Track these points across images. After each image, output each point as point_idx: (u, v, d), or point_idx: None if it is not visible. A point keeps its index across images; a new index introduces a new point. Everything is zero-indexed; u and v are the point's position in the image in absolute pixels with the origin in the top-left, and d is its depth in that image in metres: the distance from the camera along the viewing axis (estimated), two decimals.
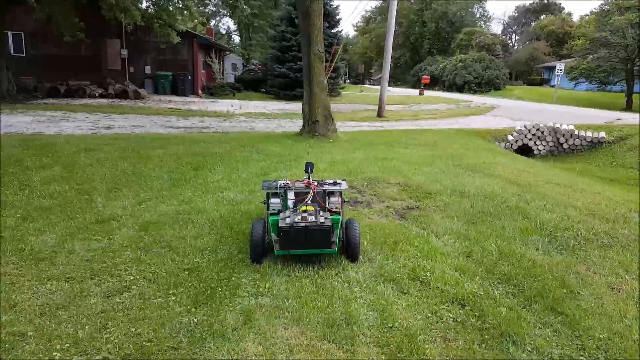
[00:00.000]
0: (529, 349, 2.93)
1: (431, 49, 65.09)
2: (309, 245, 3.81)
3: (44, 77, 21.71)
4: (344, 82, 37.33)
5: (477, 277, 3.82)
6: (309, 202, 4.05)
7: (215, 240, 4.49)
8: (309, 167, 4.50)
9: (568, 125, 13.90)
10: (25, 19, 21.59)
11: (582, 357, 2.89)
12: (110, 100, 21.18)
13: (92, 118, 14.71)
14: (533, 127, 13.79)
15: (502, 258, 4.25)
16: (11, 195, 5.89)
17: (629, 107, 27.78)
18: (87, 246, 4.40)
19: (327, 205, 4.12)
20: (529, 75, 52.56)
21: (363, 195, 6.37)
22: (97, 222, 5.02)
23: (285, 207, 4.14)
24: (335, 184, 4.27)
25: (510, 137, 13.76)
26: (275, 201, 4.10)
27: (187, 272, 3.87)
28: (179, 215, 5.19)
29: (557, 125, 13.77)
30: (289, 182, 4.29)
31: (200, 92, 25.78)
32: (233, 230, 4.74)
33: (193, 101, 22.39)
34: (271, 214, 4.08)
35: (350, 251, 4.06)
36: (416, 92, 39.07)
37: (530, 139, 13.84)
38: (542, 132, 13.82)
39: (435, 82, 47.12)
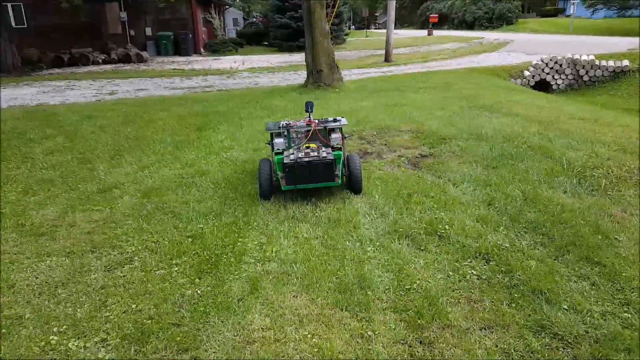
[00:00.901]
0: (565, 306, 2.59)
1: None
2: (313, 179, 3.96)
3: (47, 47, 21.16)
4: (348, 28, 35.80)
5: (501, 227, 3.46)
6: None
7: (219, 204, 4.20)
8: (309, 106, 4.50)
9: (588, 55, 12.99)
10: None
11: (626, 314, 2.55)
12: (113, 65, 20.68)
13: (96, 85, 14.34)
14: (550, 60, 12.92)
15: (527, 204, 3.86)
16: (13, 169, 5.65)
17: None
18: (88, 217, 4.16)
19: (328, 142, 4.23)
20: (543, 6, 49.61)
21: (373, 146, 5.98)
22: (99, 191, 4.77)
23: (288, 145, 4.27)
24: (335, 121, 4.34)
25: (526, 73, 12.97)
26: (279, 141, 4.19)
27: (190, 240, 3.61)
28: (182, 179, 4.90)
29: (576, 57, 12.87)
30: (290, 122, 4.38)
31: (202, 50, 24.99)
32: (238, 191, 4.44)
33: (196, 60, 21.72)
34: (276, 154, 4.18)
35: (353, 184, 4.23)
36: (424, 33, 37.39)
37: (548, 73, 13.01)
38: (561, 65, 12.96)
39: (444, 21, 44.86)
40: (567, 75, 13.05)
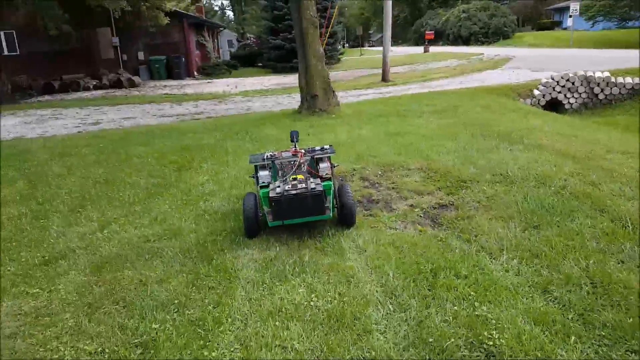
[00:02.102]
0: None
1: (431, 2, 61.12)
2: (302, 212, 3.64)
3: (38, 74, 20.39)
4: (342, 47, 35.11)
5: (572, 337, 2.38)
6: (301, 170, 3.94)
7: (186, 285, 3.19)
8: (294, 136, 4.25)
9: (602, 72, 12.10)
10: (15, 17, 20.13)
11: None
12: (104, 91, 19.90)
13: (82, 113, 13.46)
14: (562, 77, 11.99)
15: (597, 293, 2.79)
16: None
17: None
18: (17, 308, 3.12)
19: (317, 172, 3.92)
20: (538, 19, 49.05)
21: (378, 190, 5.00)
22: (43, 263, 3.74)
23: (274, 178, 3.97)
24: (322, 150, 4.05)
25: (536, 92, 12.03)
26: (263, 173, 3.90)
27: (139, 351, 2.61)
28: (146, 244, 3.89)
29: (590, 74, 11.96)
30: (275, 153, 4.11)
31: (196, 73, 24.19)
32: (212, 264, 3.42)
33: (188, 84, 20.89)
34: (261, 187, 3.84)
35: (345, 216, 3.88)
36: (420, 49, 36.71)
37: (559, 92, 12.06)
38: (573, 83, 12.01)
39: (439, 37, 44.28)
40: (580, 93, 12.11)
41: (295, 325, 2.68)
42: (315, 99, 9.76)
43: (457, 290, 2.93)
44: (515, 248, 3.49)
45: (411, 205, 4.49)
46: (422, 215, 4.27)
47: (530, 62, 19.14)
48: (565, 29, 42.75)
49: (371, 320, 2.68)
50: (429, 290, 2.97)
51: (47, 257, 3.81)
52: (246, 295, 3.03)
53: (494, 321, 2.54)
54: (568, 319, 2.54)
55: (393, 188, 5.03)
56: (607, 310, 2.58)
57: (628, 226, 3.57)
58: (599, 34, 32.06)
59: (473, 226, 3.93)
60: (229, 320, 2.79)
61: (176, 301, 3.02)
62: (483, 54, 25.52)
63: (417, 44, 50.63)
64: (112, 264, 3.56)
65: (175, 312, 2.92)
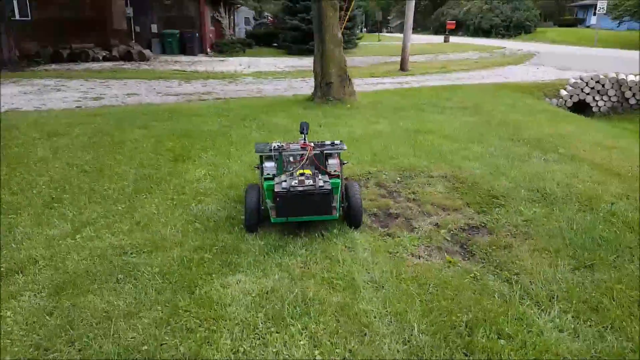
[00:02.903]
0: None
1: None
2: (308, 211, 3.39)
3: (48, 41, 19.63)
4: (360, 31, 33.83)
5: None
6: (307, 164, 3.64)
7: (159, 324, 2.50)
8: (304, 127, 3.94)
9: (636, 75, 11.17)
10: None
11: None
12: (113, 63, 19.16)
13: (86, 86, 12.77)
14: (591, 79, 11.09)
15: None
16: None
17: None
18: None
19: (325, 168, 3.65)
20: (561, 15, 47.17)
21: (397, 201, 4.29)
22: None
23: (279, 171, 3.66)
24: (333, 145, 3.75)
25: (563, 92, 11.15)
26: (269, 165, 3.61)
27: None
28: (121, 258, 3.21)
29: (622, 76, 11.05)
30: (283, 144, 3.75)
31: (209, 50, 23.31)
32: (193, 296, 2.74)
33: (200, 61, 20.07)
34: (265, 179, 3.58)
35: (352, 217, 3.62)
36: (439, 39, 35.39)
37: (588, 94, 11.17)
38: (603, 85, 11.13)
39: (459, 28, 42.73)
40: (610, 97, 11.20)
41: None
42: (330, 87, 9.00)
43: (500, 357, 2.25)
44: (568, 296, 2.79)
45: (436, 225, 3.78)
46: (449, 238, 3.57)
47: (555, 59, 18.08)
48: (588, 26, 41.15)
49: None
50: (465, 354, 2.29)
51: (2, 269, 3.14)
52: (232, 345, 2.36)
53: None
54: None
55: (414, 199, 4.32)
56: None
57: None
58: (624, 34, 30.63)
59: (512, 259, 3.23)
60: None
61: (144, 348, 2.36)
62: (505, 47, 24.37)
63: (436, 33, 49.15)
64: (76, 284, 2.90)
65: None
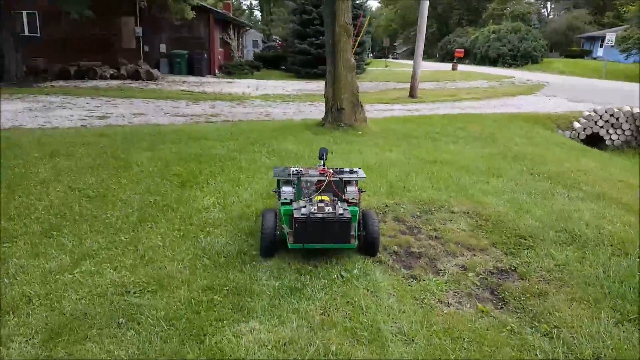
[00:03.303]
0: None
1: (460, 20, 60.20)
2: (327, 239, 3.33)
3: (56, 58, 19.75)
4: (368, 56, 34.16)
5: None
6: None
7: None
8: (323, 153, 3.94)
9: None
10: None
11: None
12: (121, 81, 19.21)
13: (93, 104, 12.70)
14: (606, 112, 10.95)
15: None
16: None
17: None
18: None
19: (344, 196, 3.59)
20: (568, 46, 47.60)
21: (418, 238, 4.05)
22: None
23: (298, 196, 3.63)
24: (351, 172, 3.73)
25: (577, 125, 10.99)
26: (287, 189, 3.59)
27: None
28: (123, 298, 2.94)
29: (636, 110, 10.89)
30: (302, 170, 3.72)
31: (217, 71, 23.43)
32: (204, 346, 2.49)
33: (208, 82, 20.12)
34: (283, 204, 3.54)
35: (369, 245, 3.56)
36: (447, 66, 35.66)
37: (601, 127, 11.03)
38: (617, 119, 10.98)
39: (466, 56, 43.09)
40: (624, 130, 11.04)
41: None
42: (341, 113, 8.86)
43: None
44: (616, 355, 2.53)
45: (463, 267, 3.53)
46: (478, 283, 3.31)
47: (565, 90, 18.02)
48: (594, 58, 41.42)
49: None
50: None
51: None
52: None
53: None
54: None
55: (436, 237, 4.08)
56: None
57: None
58: (632, 66, 30.78)
59: (549, 310, 2.96)
60: None
61: None
62: (514, 77, 24.39)
63: (442, 61, 49.59)
64: (73, 328, 2.64)
65: None
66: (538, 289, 3.22)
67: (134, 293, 3.02)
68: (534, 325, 2.82)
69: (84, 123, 9.75)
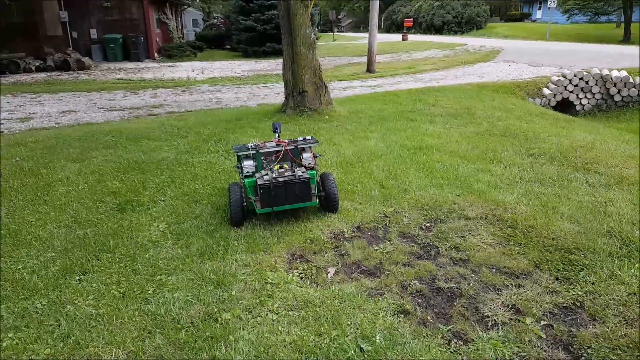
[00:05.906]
0: None
1: None
2: (290, 199, 3.56)
3: None
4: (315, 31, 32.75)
5: None
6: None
7: None
8: (277, 127, 4.04)
9: (619, 71, 10.59)
10: None
11: None
12: (48, 74, 16.95)
13: (14, 103, 10.80)
14: (575, 75, 10.41)
15: None
16: None
17: (627, 39, 24.63)
18: None
19: (300, 161, 3.84)
20: (507, 10, 47.94)
21: (439, 263, 3.08)
22: None
23: (258, 168, 3.81)
24: (305, 140, 3.96)
25: (546, 91, 10.39)
26: (248, 163, 3.77)
27: None
28: None
29: (606, 72, 10.42)
30: (259, 143, 3.91)
31: (156, 55, 21.34)
32: None
33: (147, 67, 18.16)
34: (246, 177, 3.73)
35: (329, 203, 3.83)
36: (395, 37, 34.83)
37: (571, 92, 10.50)
38: (587, 82, 10.46)
39: (412, 25, 42.46)
40: (594, 94, 10.57)
41: None
42: (304, 96, 7.70)
43: None
44: None
45: (514, 309, 2.59)
46: (544, 336, 2.39)
47: (522, 55, 17.59)
48: (534, 20, 41.93)
49: None
50: None
51: None
52: None
53: None
54: None
55: (462, 260, 3.13)
56: None
57: None
58: (573, 27, 31.19)
59: None
60: None
61: None
62: (467, 44, 23.87)
63: (388, 31, 48.78)
64: None
65: None
66: (624, 339, 2.34)
67: None
68: None
69: (0, 130, 8.06)
